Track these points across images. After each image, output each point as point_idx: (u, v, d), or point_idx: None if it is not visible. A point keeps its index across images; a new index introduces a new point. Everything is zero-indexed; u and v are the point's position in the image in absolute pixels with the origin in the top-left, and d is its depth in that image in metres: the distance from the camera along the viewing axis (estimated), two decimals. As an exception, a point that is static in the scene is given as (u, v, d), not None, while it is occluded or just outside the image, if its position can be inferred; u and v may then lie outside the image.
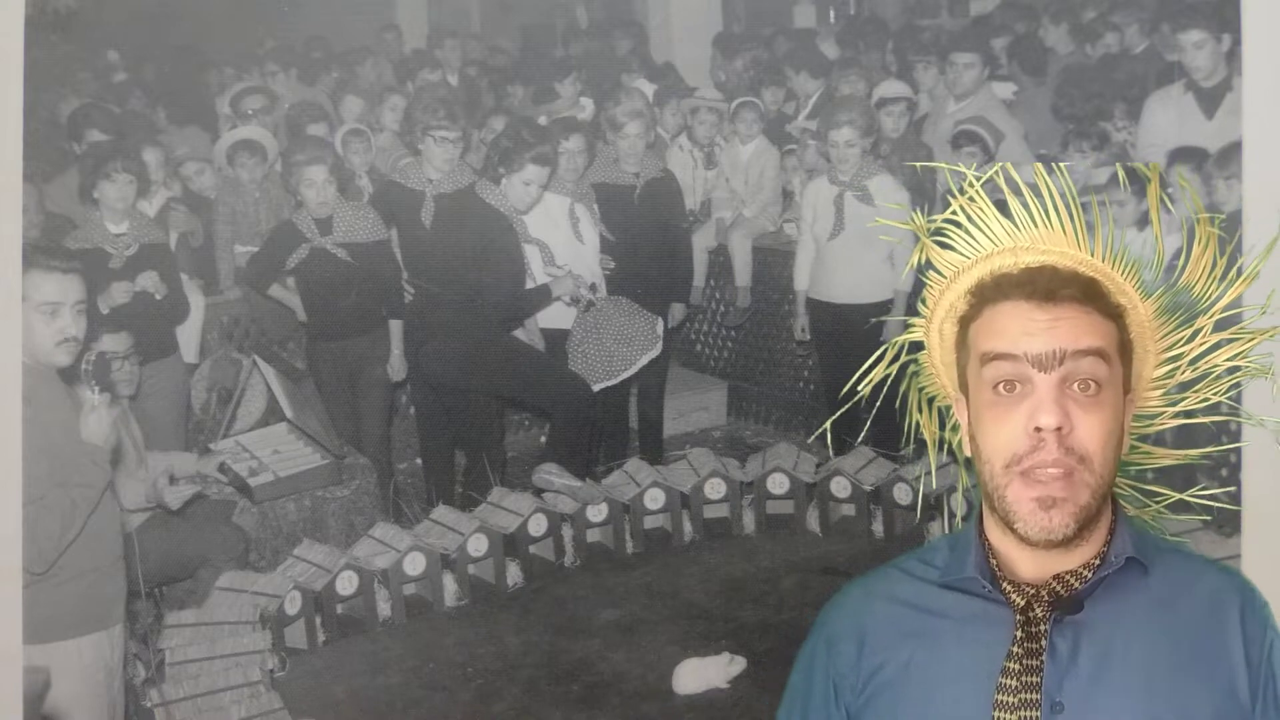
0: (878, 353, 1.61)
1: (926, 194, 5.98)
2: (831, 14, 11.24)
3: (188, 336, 5.61)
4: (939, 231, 1.48)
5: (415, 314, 5.39)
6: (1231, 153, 4.63)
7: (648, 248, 5.76)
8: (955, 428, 1.54)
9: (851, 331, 5.50)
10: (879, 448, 5.02)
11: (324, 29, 9.33)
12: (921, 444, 1.66)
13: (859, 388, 1.62)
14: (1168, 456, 1.58)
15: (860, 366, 1.62)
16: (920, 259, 1.51)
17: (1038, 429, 1.32)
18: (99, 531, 3.22)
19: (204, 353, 5.77)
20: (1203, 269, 1.49)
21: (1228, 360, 1.49)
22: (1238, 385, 1.52)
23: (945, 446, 1.63)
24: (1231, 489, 2.31)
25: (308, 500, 4.83)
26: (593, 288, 5.32)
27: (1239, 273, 1.52)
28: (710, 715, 3.81)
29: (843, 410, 1.72)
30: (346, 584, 4.36)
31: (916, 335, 1.55)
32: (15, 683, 2.28)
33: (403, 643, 4.32)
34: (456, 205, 5.27)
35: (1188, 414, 1.52)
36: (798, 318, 5.90)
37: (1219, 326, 1.50)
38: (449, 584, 4.55)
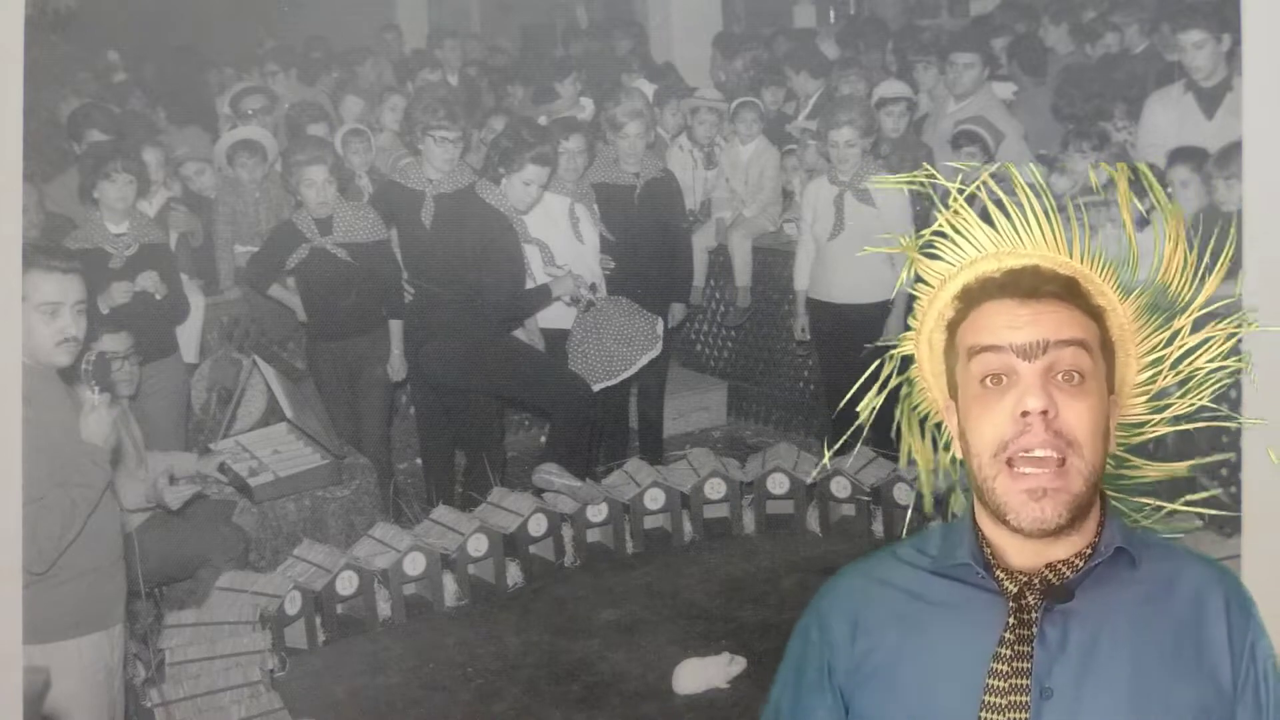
0: (870, 369, 1.61)
1: (925, 195, 5.98)
2: (831, 14, 11.24)
3: (188, 336, 5.61)
4: (927, 245, 1.52)
5: (415, 314, 5.39)
6: (1231, 153, 4.64)
7: (648, 248, 5.76)
8: (948, 446, 1.55)
9: (851, 331, 5.50)
10: (879, 448, 5.01)
11: (324, 29, 9.33)
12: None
13: (858, 410, 1.62)
14: (1157, 471, 1.59)
15: (860, 367, 1.63)
16: (910, 274, 1.54)
17: (1024, 413, 1.35)
18: (99, 531, 3.22)
19: (204, 353, 5.77)
20: (1176, 266, 1.51)
21: (1208, 361, 1.50)
22: (1224, 387, 1.52)
23: (939, 469, 1.62)
24: (1232, 489, 2.30)
25: (308, 500, 4.83)
26: (593, 288, 5.32)
27: (1229, 267, 1.52)
28: (710, 715, 3.81)
29: (843, 440, 1.70)
30: (346, 584, 4.36)
31: (907, 349, 1.57)
32: (15, 683, 2.28)
33: (403, 643, 4.32)
34: (456, 205, 5.27)
35: (1176, 420, 1.53)
36: (798, 318, 5.90)
37: (1196, 327, 1.51)
38: (449, 584, 4.56)
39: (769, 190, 6.65)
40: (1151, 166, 4.09)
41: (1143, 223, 1.54)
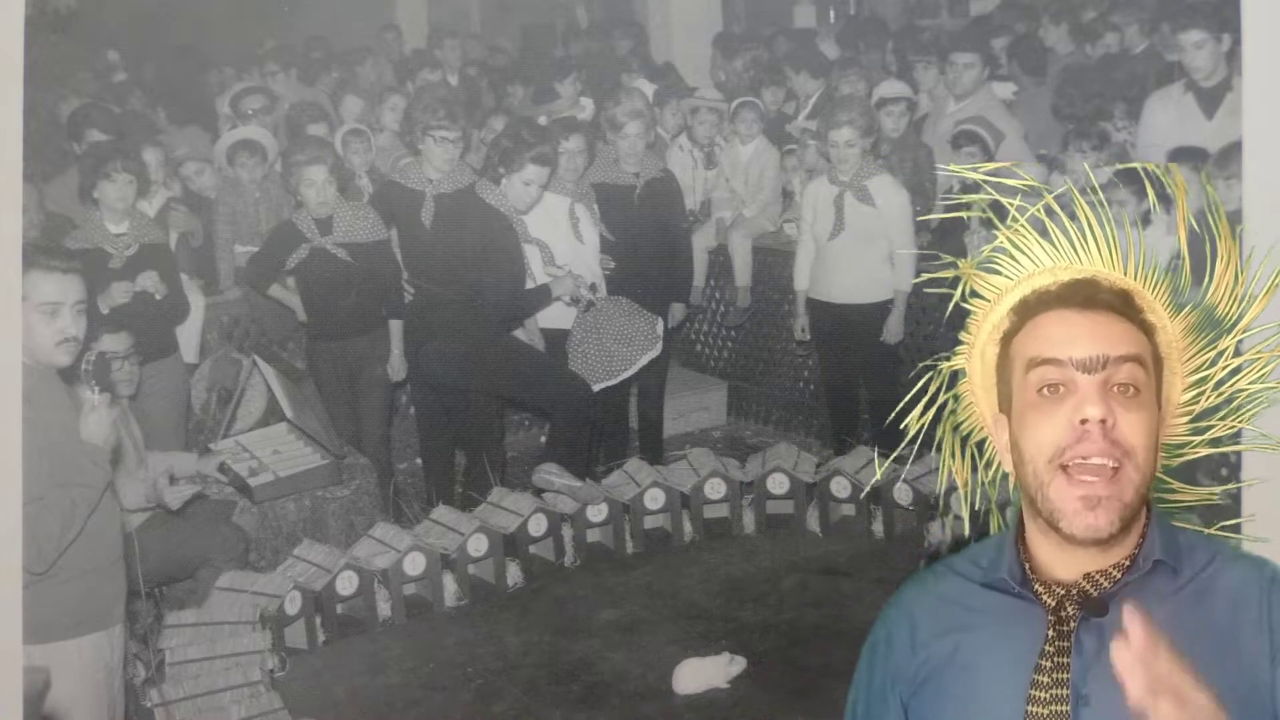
0: (920, 384, 1.64)
1: (925, 194, 5.99)
2: (831, 14, 11.25)
3: (188, 336, 5.61)
4: (985, 260, 1.56)
5: (415, 314, 5.38)
6: (1231, 153, 4.63)
7: (648, 248, 5.76)
8: (988, 465, 1.58)
9: (851, 331, 5.50)
10: (879, 448, 5.01)
11: (324, 29, 9.33)
12: (922, 445, 1.68)
13: (904, 425, 1.66)
14: (1193, 494, 1.61)
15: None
16: (965, 290, 1.58)
17: (1083, 421, 1.37)
18: (99, 531, 3.22)
19: (204, 353, 5.77)
20: (1225, 286, 1.52)
21: (1251, 383, 1.51)
22: (1264, 410, 1.53)
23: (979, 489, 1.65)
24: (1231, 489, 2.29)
25: (308, 500, 4.83)
26: (593, 288, 5.32)
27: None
28: (710, 715, 3.81)
29: (909, 440, 1.71)
30: (346, 584, 4.36)
31: (958, 363, 1.60)
32: (15, 683, 2.27)
33: (403, 643, 4.32)
34: (456, 205, 5.27)
35: (1216, 442, 1.54)
36: (798, 318, 5.90)
37: (1240, 348, 1.52)
38: (449, 584, 4.56)
39: (769, 190, 6.65)
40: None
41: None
